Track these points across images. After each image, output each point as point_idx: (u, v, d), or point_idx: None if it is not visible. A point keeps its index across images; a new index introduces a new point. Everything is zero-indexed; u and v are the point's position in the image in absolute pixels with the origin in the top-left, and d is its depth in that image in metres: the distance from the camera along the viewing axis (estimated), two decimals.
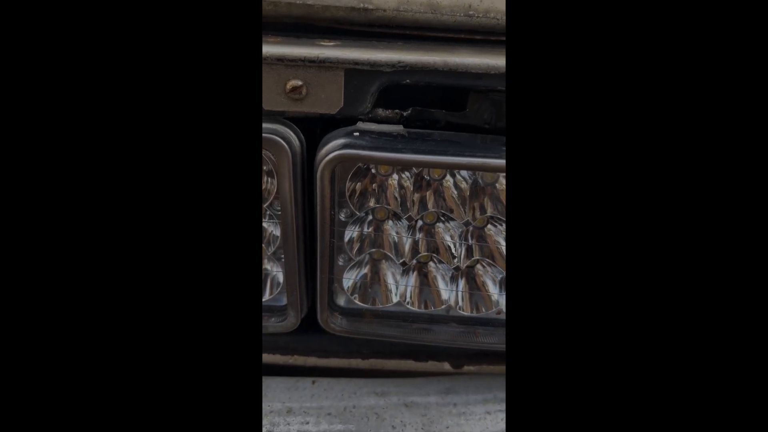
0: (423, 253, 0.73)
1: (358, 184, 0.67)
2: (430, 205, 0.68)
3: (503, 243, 0.74)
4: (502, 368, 0.85)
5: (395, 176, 0.70)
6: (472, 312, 0.75)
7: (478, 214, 0.70)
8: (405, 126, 0.63)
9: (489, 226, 0.75)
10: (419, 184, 0.70)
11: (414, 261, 0.76)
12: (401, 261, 0.73)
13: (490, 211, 0.69)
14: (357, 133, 0.59)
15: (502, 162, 0.59)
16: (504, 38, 0.62)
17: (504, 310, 0.74)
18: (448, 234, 0.74)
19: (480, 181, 0.71)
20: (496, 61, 0.55)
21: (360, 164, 0.66)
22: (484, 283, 0.77)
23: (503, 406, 0.83)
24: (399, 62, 0.55)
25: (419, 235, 0.73)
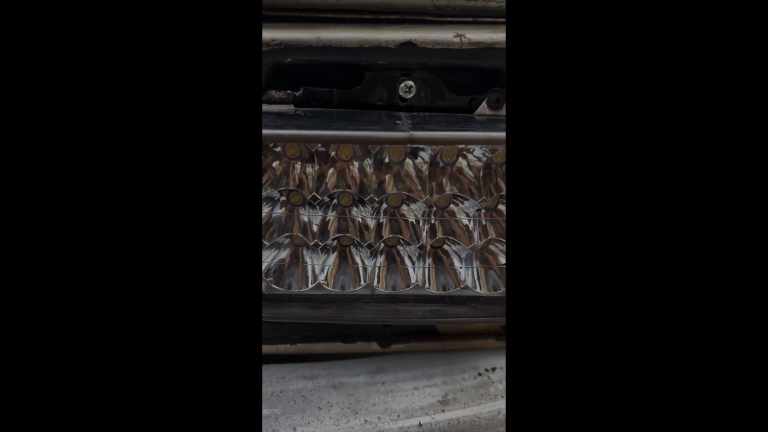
0: (336, 234, 0.74)
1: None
2: (330, 184, 0.68)
3: (410, 218, 0.74)
4: (430, 345, 0.86)
5: (299, 162, 0.70)
6: (389, 290, 0.75)
7: (388, 190, 0.71)
8: (297, 106, 0.63)
9: (402, 206, 0.76)
10: (323, 164, 0.70)
11: (333, 242, 0.77)
12: (313, 243, 0.74)
13: (391, 189, 0.70)
14: None
15: (390, 134, 0.59)
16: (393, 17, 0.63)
17: (419, 284, 0.74)
18: (359, 215, 0.75)
19: (387, 159, 0.72)
20: (370, 35, 0.56)
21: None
22: (402, 261, 0.77)
23: (431, 382, 0.83)
24: (273, 40, 0.55)
25: (331, 215, 0.74)
